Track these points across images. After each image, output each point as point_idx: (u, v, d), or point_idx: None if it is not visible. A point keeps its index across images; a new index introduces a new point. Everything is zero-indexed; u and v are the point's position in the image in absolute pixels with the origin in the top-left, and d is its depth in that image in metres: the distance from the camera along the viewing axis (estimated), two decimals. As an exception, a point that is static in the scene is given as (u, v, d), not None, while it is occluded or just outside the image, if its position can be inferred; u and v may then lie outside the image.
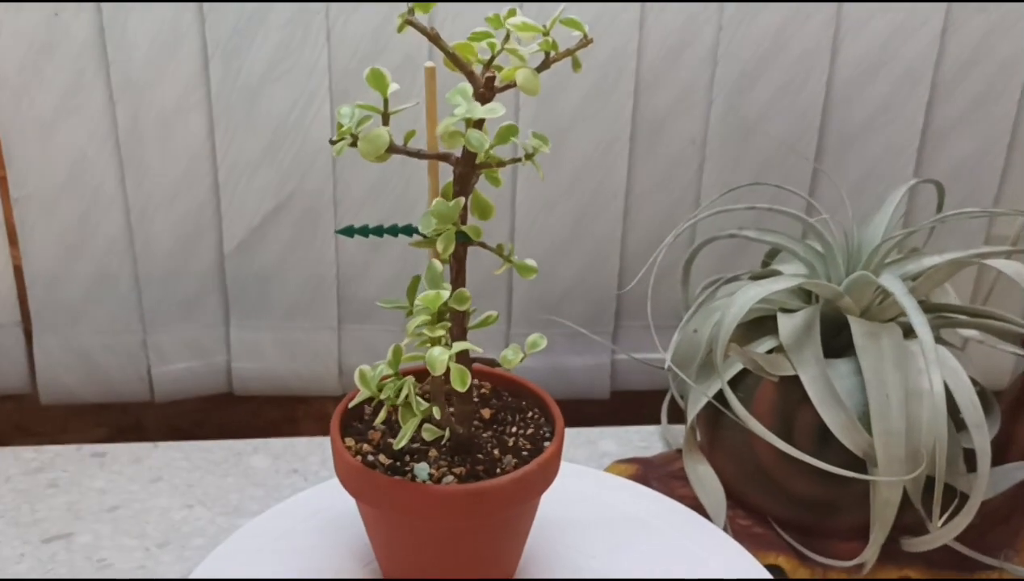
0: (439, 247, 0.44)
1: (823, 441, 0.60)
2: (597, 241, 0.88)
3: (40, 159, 0.78)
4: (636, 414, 0.89)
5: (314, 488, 0.62)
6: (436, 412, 0.47)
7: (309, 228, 0.84)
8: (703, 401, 0.64)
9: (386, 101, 0.43)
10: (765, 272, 0.68)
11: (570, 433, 0.80)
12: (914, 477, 0.57)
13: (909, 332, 0.62)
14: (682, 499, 0.66)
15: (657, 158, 0.86)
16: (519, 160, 0.46)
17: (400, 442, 0.47)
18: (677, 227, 0.67)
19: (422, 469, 0.49)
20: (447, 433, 0.49)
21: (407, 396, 0.47)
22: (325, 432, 0.92)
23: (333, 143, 0.43)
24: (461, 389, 0.45)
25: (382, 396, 0.48)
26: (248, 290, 0.86)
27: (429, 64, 0.47)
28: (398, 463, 0.49)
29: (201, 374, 0.88)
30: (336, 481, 0.51)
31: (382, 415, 0.49)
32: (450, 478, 0.48)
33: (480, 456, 0.50)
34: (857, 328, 0.60)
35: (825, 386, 0.58)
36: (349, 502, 0.50)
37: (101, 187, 0.80)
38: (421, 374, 0.50)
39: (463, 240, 0.45)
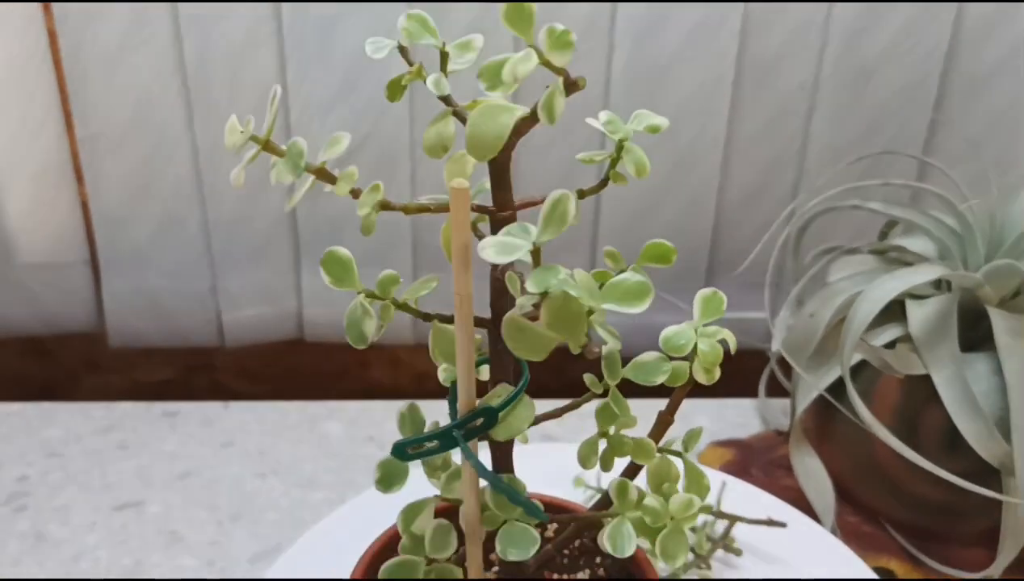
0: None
1: (951, 445, 0.54)
2: (692, 192, 0.81)
3: (105, 96, 0.74)
4: (725, 375, 0.84)
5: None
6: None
7: (384, 172, 0.79)
8: (815, 394, 0.58)
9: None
10: (888, 247, 0.62)
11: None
12: (1056, 493, 0.52)
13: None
14: (785, 490, 0.61)
15: (762, 104, 0.78)
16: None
17: None
18: (799, 199, 0.60)
19: None
20: None
21: None
22: (397, 378, 0.88)
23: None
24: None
25: None
26: (320, 236, 0.82)
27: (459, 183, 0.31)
28: None
29: (271, 320, 0.85)
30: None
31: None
32: None
33: None
34: (999, 323, 0.53)
35: (961, 389, 0.53)
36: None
37: (167, 127, 0.76)
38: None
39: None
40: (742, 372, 0.82)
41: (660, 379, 0.35)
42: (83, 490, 0.66)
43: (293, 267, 0.83)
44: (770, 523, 0.56)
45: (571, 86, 0.30)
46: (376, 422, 0.74)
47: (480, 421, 0.34)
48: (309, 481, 0.67)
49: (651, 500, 0.36)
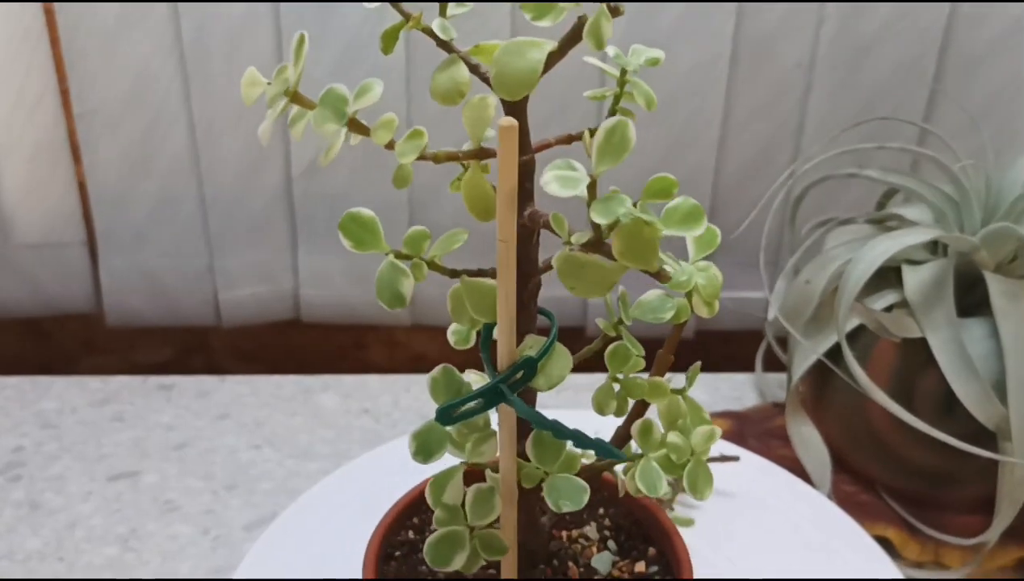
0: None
1: (947, 409, 0.54)
2: (688, 171, 0.81)
3: (103, 73, 0.74)
4: (723, 356, 0.84)
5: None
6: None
7: (381, 151, 0.78)
8: (813, 359, 0.58)
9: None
10: (885, 216, 0.62)
11: (656, 380, 0.76)
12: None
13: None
14: (782, 459, 0.61)
15: (758, 83, 0.78)
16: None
17: None
18: (796, 164, 0.60)
19: (603, 560, 0.41)
20: None
21: None
22: (394, 359, 0.88)
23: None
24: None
25: None
26: (317, 214, 0.82)
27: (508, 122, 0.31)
28: None
29: (268, 300, 0.85)
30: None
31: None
32: None
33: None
34: (995, 287, 0.53)
35: (957, 352, 0.53)
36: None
37: (165, 103, 0.76)
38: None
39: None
40: (739, 351, 0.82)
41: (667, 316, 0.35)
42: (78, 460, 0.66)
43: (290, 247, 0.83)
44: (723, 459, 0.56)
45: (614, 11, 0.30)
46: (371, 395, 0.74)
47: (520, 375, 0.33)
48: (304, 452, 0.67)
49: (673, 437, 0.36)
